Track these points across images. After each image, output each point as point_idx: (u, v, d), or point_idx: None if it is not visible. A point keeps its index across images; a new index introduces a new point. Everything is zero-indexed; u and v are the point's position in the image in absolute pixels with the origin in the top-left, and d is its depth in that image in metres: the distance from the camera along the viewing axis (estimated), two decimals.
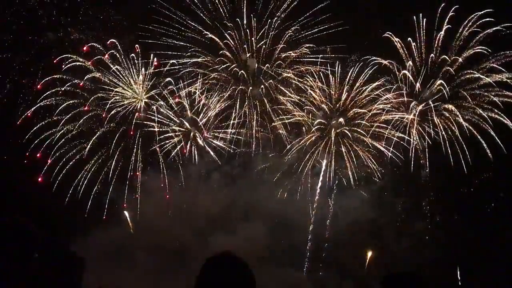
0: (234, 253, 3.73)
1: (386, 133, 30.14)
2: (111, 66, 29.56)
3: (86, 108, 29.47)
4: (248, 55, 31.08)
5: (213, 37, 30.30)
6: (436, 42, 30.12)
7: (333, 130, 30.79)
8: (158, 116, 30.29)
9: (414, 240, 31.90)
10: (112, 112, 29.78)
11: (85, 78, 29.31)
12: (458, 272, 31.02)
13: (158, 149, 30.40)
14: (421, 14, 29.67)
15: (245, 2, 30.25)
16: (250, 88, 31.13)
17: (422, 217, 32.27)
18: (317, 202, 31.66)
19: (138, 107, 30.06)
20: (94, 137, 29.71)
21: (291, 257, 32.32)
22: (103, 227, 30.29)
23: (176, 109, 30.52)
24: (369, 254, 31.34)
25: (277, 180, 31.73)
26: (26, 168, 29.36)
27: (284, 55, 30.80)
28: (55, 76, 28.96)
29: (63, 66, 28.87)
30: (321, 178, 31.34)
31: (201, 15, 30.27)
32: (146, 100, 30.20)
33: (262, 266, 28.85)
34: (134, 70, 29.83)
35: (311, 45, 30.37)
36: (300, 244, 32.30)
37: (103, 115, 29.61)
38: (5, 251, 4.15)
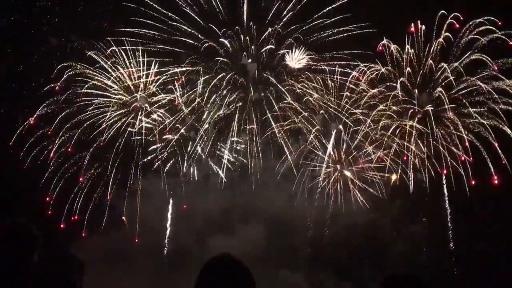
0: (234, 255, 3.76)
1: (385, 138, 30.27)
2: (112, 73, 29.81)
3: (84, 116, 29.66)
4: (249, 61, 31.26)
5: (213, 44, 30.50)
6: (435, 49, 30.29)
7: (332, 137, 30.92)
8: (157, 124, 30.53)
9: (410, 243, 31.99)
10: (112, 120, 29.99)
11: (86, 86, 29.56)
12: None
13: (158, 156, 30.54)
14: (419, 21, 29.88)
15: (245, 9, 30.47)
16: (251, 94, 31.30)
17: (419, 220, 32.29)
18: (316, 205, 31.71)
19: (139, 115, 30.22)
20: (95, 144, 29.86)
21: (289, 259, 32.46)
22: (103, 230, 30.48)
23: (175, 117, 30.67)
24: (393, 177, 31.28)
25: (276, 183, 31.91)
26: (26, 172, 29.46)
27: (284, 63, 31.01)
28: (56, 84, 29.15)
29: (65, 74, 29.13)
30: (320, 182, 31.45)
31: (201, 22, 30.47)
32: (148, 107, 30.36)
33: (261, 268, 28.97)
34: (135, 77, 30.07)
35: (311, 53, 30.58)
36: (298, 246, 32.50)
37: (103, 126, 29.75)
38: (5, 253, 4.18)
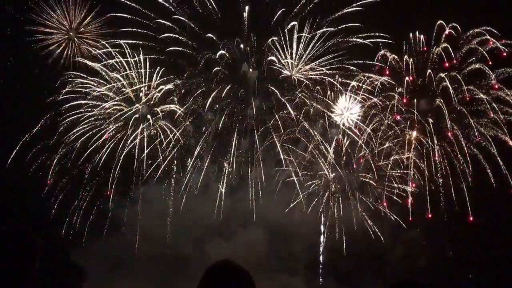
0: (235, 261, 3.78)
1: (385, 147, 30.45)
2: (113, 84, 30.15)
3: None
4: (250, 70, 31.53)
5: (213, 56, 30.76)
6: (434, 59, 30.41)
7: (332, 147, 31.12)
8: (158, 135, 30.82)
9: (408, 248, 32.08)
10: (114, 131, 30.27)
11: (89, 97, 29.85)
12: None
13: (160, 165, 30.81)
14: (417, 32, 30.01)
15: (245, 18, 30.79)
16: (251, 105, 31.56)
17: (416, 226, 32.26)
18: (316, 211, 31.87)
19: (140, 126, 30.53)
20: (98, 156, 30.11)
21: (289, 264, 32.57)
22: (103, 237, 30.71)
23: (175, 127, 30.93)
24: (414, 135, 31.05)
25: (276, 190, 32.09)
26: (28, 179, 29.73)
27: (284, 73, 31.23)
28: (57, 96, 29.41)
29: (68, 86, 29.43)
30: (320, 189, 31.64)
31: (201, 32, 30.74)
32: (150, 118, 30.64)
33: (260, 273, 29.16)
34: (136, 88, 30.40)
35: (310, 62, 30.83)
36: (298, 251, 32.57)
37: (105, 137, 29.96)
38: (5, 260, 4.13)
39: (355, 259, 32.29)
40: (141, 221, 31.17)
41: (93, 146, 29.76)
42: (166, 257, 31.65)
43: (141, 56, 29.72)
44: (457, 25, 29.58)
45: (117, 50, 29.70)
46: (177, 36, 30.17)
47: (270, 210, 32.15)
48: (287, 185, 31.78)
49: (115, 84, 29.89)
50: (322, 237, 32.47)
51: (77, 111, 29.63)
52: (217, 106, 30.99)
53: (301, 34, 30.44)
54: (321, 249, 32.85)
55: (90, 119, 29.81)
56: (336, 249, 32.19)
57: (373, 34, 29.69)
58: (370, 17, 29.91)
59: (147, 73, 29.98)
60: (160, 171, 30.80)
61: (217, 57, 30.64)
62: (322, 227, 32.26)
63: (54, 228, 29.85)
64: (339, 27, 30.00)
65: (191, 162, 31.20)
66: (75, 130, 29.55)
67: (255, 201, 32.05)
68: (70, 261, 29.76)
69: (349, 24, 29.90)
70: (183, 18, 30.25)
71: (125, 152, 30.00)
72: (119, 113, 30.27)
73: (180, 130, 30.68)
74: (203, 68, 30.86)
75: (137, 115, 30.31)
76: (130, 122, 30.21)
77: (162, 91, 30.28)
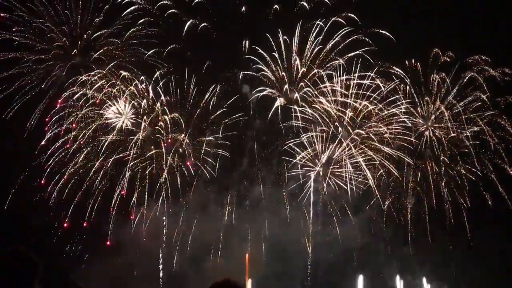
0: (235, 281, 3.92)
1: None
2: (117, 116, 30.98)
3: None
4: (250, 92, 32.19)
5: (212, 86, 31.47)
6: (431, 87, 30.82)
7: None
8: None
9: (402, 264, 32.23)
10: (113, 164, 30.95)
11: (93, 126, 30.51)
12: None
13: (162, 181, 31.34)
14: (413, 59, 30.45)
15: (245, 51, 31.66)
16: (252, 130, 32.26)
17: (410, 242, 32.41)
18: (312, 229, 32.18)
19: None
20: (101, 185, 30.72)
21: (286, 281, 32.71)
22: (102, 256, 31.07)
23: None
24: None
25: (274, 209, 32.46)
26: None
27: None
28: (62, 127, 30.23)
29: (72, 117, 30.17)
30: (318, 205, 31.94)
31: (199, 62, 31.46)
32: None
33: None
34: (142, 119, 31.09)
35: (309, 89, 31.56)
36: (295, 269, 32.76)
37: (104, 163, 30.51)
38: (6, 281, 4.19)
39: (352, 275, 32.54)
40: (141, 241, 31.48)
41: (96, 174, 30.30)
42: (164, 276, 31.83)
43: (143, 86, 30.45)
44: (452, 55, 30.05)
45: (120, 81, 30.43)
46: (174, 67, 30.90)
47: (269, 229, 32.45)
48: (286, 203, 32.26)
49: (118, 118, 30.56)
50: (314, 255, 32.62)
51: (80, 140, 30.22)
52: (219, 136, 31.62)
53: (304, 67, 31.05)
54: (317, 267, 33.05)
55: (94, 149, 30.35)
56: (333, 266, 32.40)
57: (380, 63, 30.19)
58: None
59: (150, 103, 30.63)
60: (162, 193, 31.29)
61: (217, 91, 31.32)
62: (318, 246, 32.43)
63: (56, 249, 30.32)
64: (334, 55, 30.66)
65: (192, 185, 31.75)
66: (75, 160, 30.09)
67: (254, 219, 32.42)
68: (70, 281, 30.09)
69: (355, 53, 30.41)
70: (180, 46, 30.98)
71: (127, 177, 30.58)
72: (121, 142, 30.85)
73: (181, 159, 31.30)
74: (203, 96, 31.51)
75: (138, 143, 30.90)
76: (132, 152, 30.68)
77: (166, 121, 30.92)
